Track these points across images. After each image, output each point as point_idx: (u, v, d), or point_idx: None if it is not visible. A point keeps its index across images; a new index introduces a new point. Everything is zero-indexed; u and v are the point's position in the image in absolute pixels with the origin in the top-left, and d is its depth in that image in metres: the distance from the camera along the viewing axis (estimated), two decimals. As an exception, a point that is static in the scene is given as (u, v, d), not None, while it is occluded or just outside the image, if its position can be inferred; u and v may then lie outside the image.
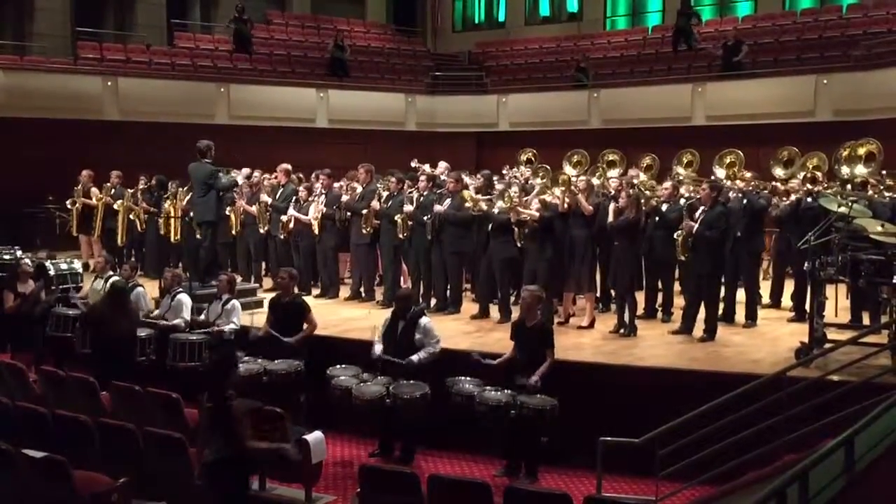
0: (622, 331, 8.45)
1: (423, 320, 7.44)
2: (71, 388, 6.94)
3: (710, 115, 16.13)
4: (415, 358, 7.22)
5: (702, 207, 8.29)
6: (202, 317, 8.65)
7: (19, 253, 10.84)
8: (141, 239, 12.17)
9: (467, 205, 9.20)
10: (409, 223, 9.72)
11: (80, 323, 8.61)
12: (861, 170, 8.97)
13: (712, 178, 9.71)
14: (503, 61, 20.73)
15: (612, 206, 8.59)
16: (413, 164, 11.96)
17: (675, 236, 8.29)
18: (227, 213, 10.97)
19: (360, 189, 10.36)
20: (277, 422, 5.92)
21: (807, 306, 7.99)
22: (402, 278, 10.51)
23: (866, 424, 4.41)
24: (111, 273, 9.56)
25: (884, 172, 9.43)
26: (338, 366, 7.61)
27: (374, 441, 7.64)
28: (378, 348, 7.45)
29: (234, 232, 11.38)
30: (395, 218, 9.77)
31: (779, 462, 5.98)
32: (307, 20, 20.87)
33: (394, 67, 19.89)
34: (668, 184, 9.16)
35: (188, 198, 11.22)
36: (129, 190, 12.27)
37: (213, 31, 19.51)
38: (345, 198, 10.39)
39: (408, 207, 9.71)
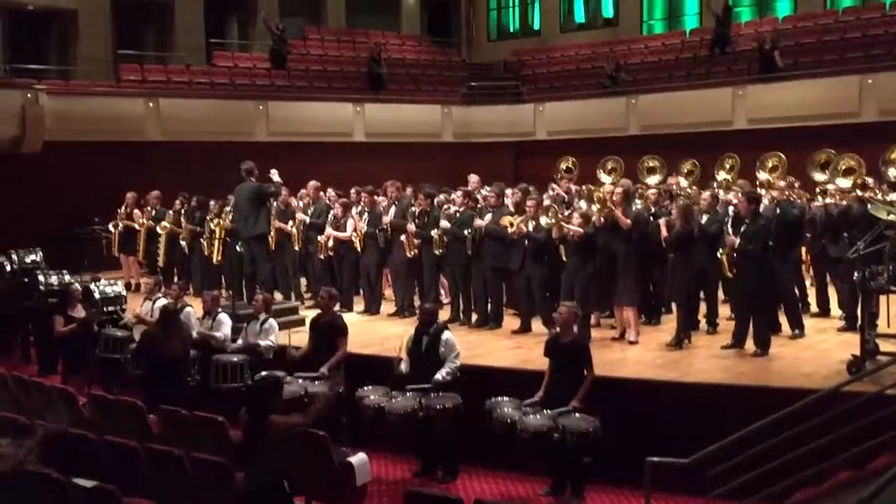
0: (686, 342, 8.34)
1: (446, 334, 7.44)
2: (119, 412, 7.03)
3: (752, 118, 15.85)
4: (439, 377, 7.21)
5: (744, 220, 8.10)
6: (240, 340, 8.72)
7: (67, 277, 11.06)
8: (183, 259, 12.31)
9: (511, 230, 9.09)
10: (446, 239, 9.70)
11: (135, 346, 8.71)
12: None
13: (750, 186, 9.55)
14: (539, 69, 20.64)
15: (663, 221, 8.45)
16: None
17: (718, 254, 8.10)
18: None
19: (391, 206, 10.40)
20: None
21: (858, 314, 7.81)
22: (443, 294, 10.51)
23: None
24: (159, 295, 9.71)
25: None
26: (366, 387, 7.57)
27: (415, 458, 7.62)
28: (404, 366, 7.46)
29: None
30: (432, 233, 9.76)
31: (833, 480, 5.84)
32: (342, 34, 21.01)
33: (429, 79, 19.94)
34: (706, 194, 8.99)
35: (232, 216, 11.40)
36: (170, 211, 12.44)
37: (250, 49, 19.75)
38: (386, 218, 10.38)
39: (444, 223, 9.70)
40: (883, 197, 9.31)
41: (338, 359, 7.80)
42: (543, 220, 8.80)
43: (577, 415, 6.55)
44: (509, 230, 9.09)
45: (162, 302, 9.40)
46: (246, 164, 10.09)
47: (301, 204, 11.57)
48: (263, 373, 7.60)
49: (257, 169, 10.23)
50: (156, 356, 8.14)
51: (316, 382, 7.62)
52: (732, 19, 18.16)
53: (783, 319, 8.76)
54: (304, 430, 5.92)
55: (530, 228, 9.02)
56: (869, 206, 7.99)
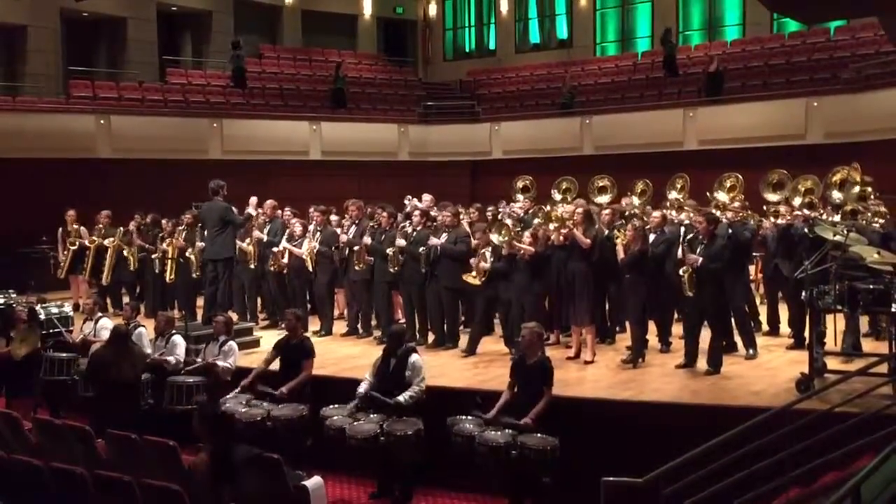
0: (640, 360, 8.42)
1: (413, 357, 7.40)
2: (66, 438, 6.82)
3: (702, 139, 16.20)
4: (401, 398, 7.16)
5: (701, 240, 8.21)
6: (199, 358, 8.58)
7: (14, 295, 10.79)
8: (133, 278, 12.09)
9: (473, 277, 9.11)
10: (401, 257, 9.69)
11: (86, 368, 8.50)
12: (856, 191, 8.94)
13: (711, 208, 9.70)
14: (495, 89, 20.84)
15: (620, 242, 8.54)
16: (406, 201, 11.94)
17: (680, 272, 8.16)
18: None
19: (352, 226, 10.34)
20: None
21: (805, 333, 7.98)
22: (398, 313, 10.47)
23: (872, 470, 4.34)
24: (101, 315, 9.52)
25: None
26: (331, 406, 7.54)
27: (373, 481, 7.55)
28: (363, 386, 7.42)
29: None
30: (388, 251, 9.73)
31: (783, 497, 5.93)
32: (299, 53, 20.98)
33: (386, 98, 19.99)
34: (656, 213, 9.11)
35: (185, 235, 11.25)
36: (118, 229, 12.23)
37: (205, 66, 19.58)
38: (343, 237, 10.32)
39: (400, 241, 9.68)
40: (828, 218, 9.57)
41: (300, 381, 7.74)
42: (495, 238, 8.82)
43: (538, 434, 6.56)
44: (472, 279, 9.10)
45: (104, 322, 9.24)
46: (214, 182, 9.95)
47: (258, 221, 11.42)
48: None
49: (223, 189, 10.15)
50: (105, 379, 7.94)
51: (280, 406, 7.54)
52: (680, 42, 18.58)
53: (737, 339, 8.90)
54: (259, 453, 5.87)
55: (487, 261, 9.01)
56: (816, 227, 8.17)
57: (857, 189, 8.95)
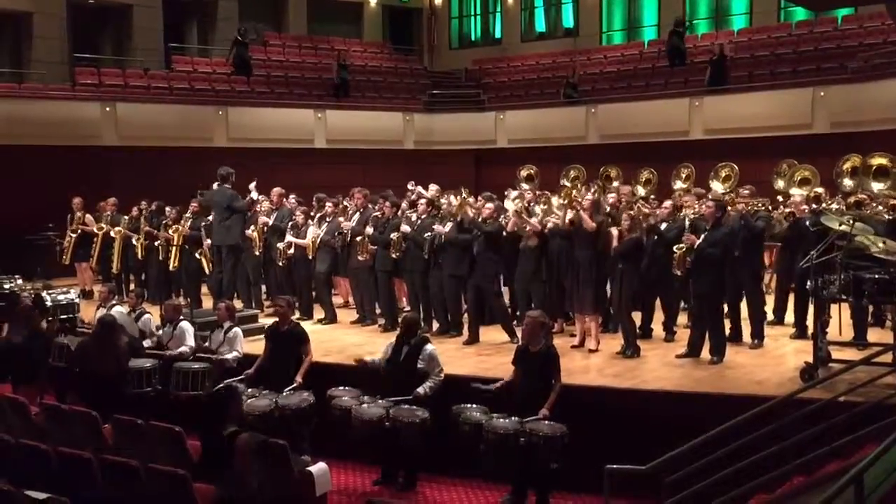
0: (628, 352, 8.42)
1: (428, 347, 7.38)
2: (73, 423, 6.87)
3: (708, 128, 16.14)
4: (420, 390, 7.16)
5: (705, 226, 8.23)
6: (206, 345, 8.61)
7: (20, 282, 10.82)
8: (139, 265, 12.13)
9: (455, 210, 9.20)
10: (404, 244, 9.69)
11: (71, 357, 8.53)
12: (877, 185, 8.92)
13: (713, 194, 9.71)
14: (500, 78, 20.79)
15: (614, 231, 8.56)
16: (409, 186, 11.96)
17: (675, 249, 8.22)
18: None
19: (355, 213, 10.35)
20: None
21: (809, 323, 7.99)
22: (402, 301, 10.49)
23: (875, 459, 4.35)
24: (114, 302, 9.54)
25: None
26: (339, 387, 7.57)
27: (377, 468, 7.59)
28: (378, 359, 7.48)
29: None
30: (391, 236, 9.74)
31: (787, 486, 5.96)
32: (304, 41, 20.94)
33: (391, 86, 19.95)
34: (667, 203, 9.13)
35: (190, 223, 11.27)
36: (125, 217, 12.26)
37: (210, 54, 19.57)
38: (347, 224, 10.34)
39: (405, 228, 9.69)
40: (840, 207, 9.56)
41: (307, 366, 7.80)
42: (509, 204, 8.88)
43: (546, 421, 6.57)
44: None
45: (118, 309, 9.25)
46: (223, 168, 10.01)
47: (264, 207, 11.46)
48: (221, 385, 7.60)
49: (215, 173, 10.16)
50: (87, 370, 7.95)
51: (285, 393, 7.56)
52: (687, 31, 18.49)
53: (746, 327, 8.89)
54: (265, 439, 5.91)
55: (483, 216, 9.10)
56: (821, 216, 8.17)
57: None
